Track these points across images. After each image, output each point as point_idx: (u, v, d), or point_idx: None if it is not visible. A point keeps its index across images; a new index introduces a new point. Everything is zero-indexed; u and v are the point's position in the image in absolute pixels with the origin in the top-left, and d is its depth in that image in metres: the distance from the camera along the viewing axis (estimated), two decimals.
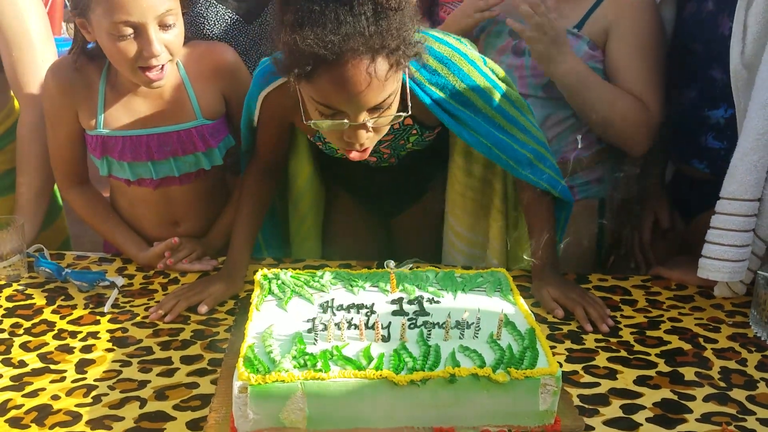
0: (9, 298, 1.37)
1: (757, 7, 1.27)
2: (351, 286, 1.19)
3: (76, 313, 1.32)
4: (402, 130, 1.41)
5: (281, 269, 1.23)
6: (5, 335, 1.24)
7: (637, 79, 1.56)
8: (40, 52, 1.61)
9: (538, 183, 1.40)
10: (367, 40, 1.07)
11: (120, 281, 1.40)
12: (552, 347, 1.21)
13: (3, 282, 1.43)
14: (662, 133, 1.60)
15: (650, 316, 1.32)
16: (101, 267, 1.51)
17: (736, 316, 1.32)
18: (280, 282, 1.19)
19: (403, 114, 1.19)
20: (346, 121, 1.13)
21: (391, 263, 1.20)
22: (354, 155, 1.21)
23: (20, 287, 1.42)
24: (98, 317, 1.31)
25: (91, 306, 1.35)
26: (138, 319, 1.30)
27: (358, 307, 1.12)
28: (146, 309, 1.34)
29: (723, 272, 1.29)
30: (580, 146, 1.68)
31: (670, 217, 1.63)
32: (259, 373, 0.93)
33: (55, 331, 1.26)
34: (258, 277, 1.21)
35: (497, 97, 1.38)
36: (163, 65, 1.38)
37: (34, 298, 1.37)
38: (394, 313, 1.11)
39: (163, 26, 1.35)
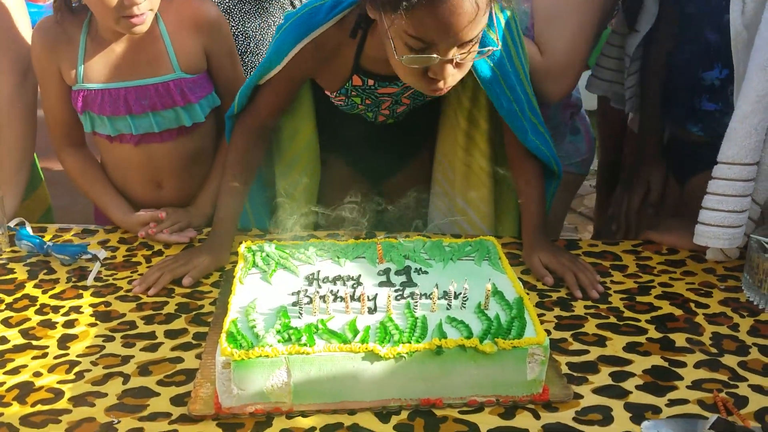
0: None
1: None
2: (337, 257, 1.17)
3: (59, 287, 1.30)
4: None
5: (266, 241, 1.21)
6: None
7: (544, 26, 1.49)
8: (11, 20, 1.56)
9: (533, 142, 1.38)
10: None
11: (102, 254, 1.37)
12: (541, 315, 1.19)
13: None
14: (655, 96, 1.57)
15: (640, 281, 1.31)
16: (84, 240, 1.49)
17: (728, 281, 1.30)
18: (264, 254, 1.17)
19: (491, 48, 1.17)
20: (435, 56, 1.11)
21: None
22: (436, 92, 1.20)
23: (2, 261, 1.39)
24: (81, 291, 1.28)
25: (73, 279, 1.32)
26: (121, 292, 1.28)
27: (345, 279, 1.10)
28: (129, 282, 1.31)
29: (722, 239, 1.27)
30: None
31: (662, 189, 1.60)
32: (242, 349, 0.92)
33: (37, 306, 1.23)
34: (242, 249, 1.19)
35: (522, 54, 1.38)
36: (144, 13, 1.36)
37: (15, 273, 1.35)
38: (381, 284, 1.09)
39: None
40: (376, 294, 1.04)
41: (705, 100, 1.43)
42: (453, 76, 1.16)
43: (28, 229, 1.46)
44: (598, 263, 1.37)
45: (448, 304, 1.02)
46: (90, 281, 1.31)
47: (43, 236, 1.47)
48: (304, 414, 0.95)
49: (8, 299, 1.26)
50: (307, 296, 1.02)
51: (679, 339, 1.13)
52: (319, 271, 1.12)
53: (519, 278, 1.26)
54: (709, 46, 1.40)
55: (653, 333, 1.15)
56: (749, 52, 1.22)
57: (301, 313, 0.99)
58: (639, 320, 1.18)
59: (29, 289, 1.29)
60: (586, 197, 3.48)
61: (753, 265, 1.23)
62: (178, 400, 0.99)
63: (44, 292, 1.28)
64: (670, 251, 1.41)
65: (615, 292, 1.27)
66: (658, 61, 1.55)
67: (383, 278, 1.11)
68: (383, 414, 0.95)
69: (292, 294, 1.05)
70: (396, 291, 1.06)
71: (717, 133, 1.30)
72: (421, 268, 1.14)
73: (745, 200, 1.26)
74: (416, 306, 1.01)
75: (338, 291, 1.05)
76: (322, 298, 1.01)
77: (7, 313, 1.21)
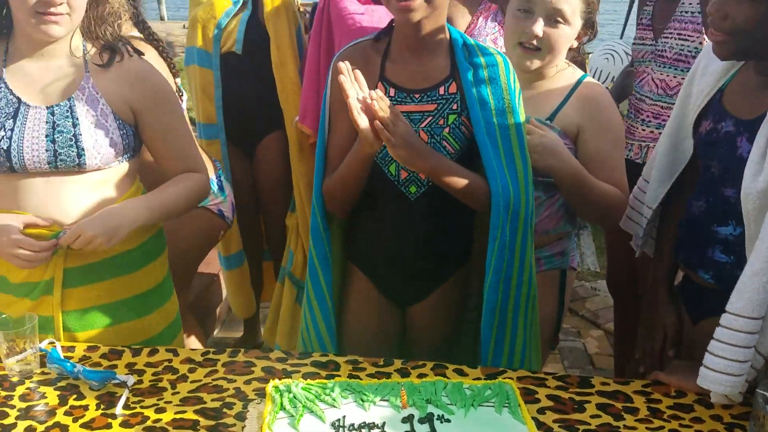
0: (22, 398, 1.39)
1: None
2: (362, 401, 1.22)
3: (89, 415, 1.34)
4: (445, 99, 1.57)
5: (293, 380, 1.26)
6: None
7: (612, 169, 1.78)
8: None
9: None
10: None
11: (131, 380, 1.42)
12: None
13: (16, 379, 1.44)
14: (671, 242, 1.64)
15: (652, 427, 1.35)
16: (111, 361, 1.53)
17: (735, 429, 1.35)
18: (291, 396, 1.22)
19: None
20: None
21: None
22: (397, 4, 1.47)
23: (33, 385, 1.43)
24: (110, 420, 1.32)
25: (102, 407, 1.36)
26: (149, 422, 1.32)
27: (370, 427, 1.15)
28: (156, 410, 1.35)
29: (725, 386, 1.32)
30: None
31: (678, 331, 1.65)
32: None
33: None
34: (270, 389, 1.24)
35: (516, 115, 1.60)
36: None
37: (47, 397, 1.39)
38: None
39: None
40: None
41: (718, 251, 1.49)
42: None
43: (59, 351, 1.50)
44: (610, 404, 1.41)
45: None
46: (119, 411, 1.35)
47: (71, 357, 1.52)
48: None
49: (40, 428, 1.29)
50: None
51: None
52: (344, 417, 1.17)
53: (534, 418, 1.31)
54: (726, 202, 1.46)
55: None
56: (763, 213, 1.30)
57: None
58: None
59: (60, 416, 1.33)
60: (587, 300, 3.52)
61: (758, 416, 1.28)
62: None
63: (75, 420, 1.32)
64: (678, 393, 1.46)
65: None
66: (679, 211, 1.61)
67: (407, 427, 1.15)
68: None
69: None
70: None
71: (728, 284, 1.36)
72: (443, 416, 1.19)
73: (748, 351, 1.32)
74: None
75: None
76: None
77: None
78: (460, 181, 1.55)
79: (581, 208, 1.82)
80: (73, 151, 1.55)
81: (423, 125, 1.56)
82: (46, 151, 1.54)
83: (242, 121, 2.63)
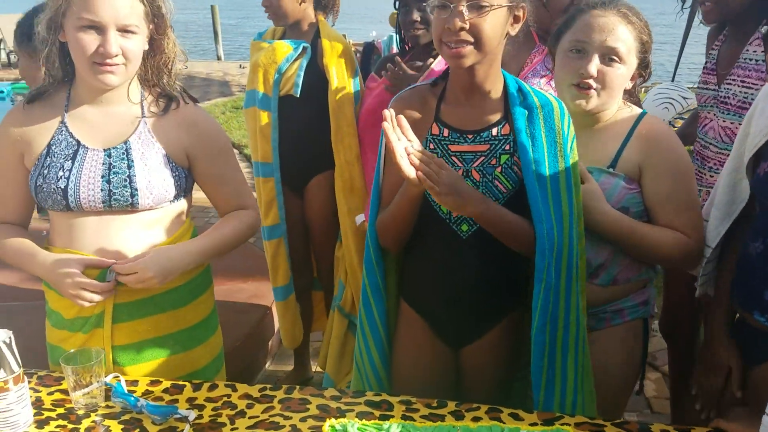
0: (88, 431, 1.44)
1: None
2: None
3: None
4: (497, 140, 1.59)
5: (348, 420, 1.28)
6: None
7: (676, 212, 1.70)
8: None
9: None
10: None
11: (192, 416, 1.46)
12: None
13: (81, 412, 1.50)
14: (729, 284, 1.61)
15: None
16: (173, 395, 1.57)
17: None
18: None
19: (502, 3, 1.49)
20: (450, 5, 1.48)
21: None
22: (448, 51, 1.51)
23: (98, 418, 1.49)
24: None
25: None
26: None
27: None
28: None
29: None
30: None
31: (743, 370, 1.60)
32: None
33: None
34: (326, 429, 1.26)
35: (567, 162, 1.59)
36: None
37: (111, 431, 1.44)
38: None
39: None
40: None
41: None
42: (463, 33, 1.47)
43: (123, 385, 1.56)
44: None
45: None
46: None
47: (134, 391, 1.57)
48: None
49: None
50: None
51: None
52: None
53: None
54: None
55: None
56: None
57: None
58: None
59: None
60: None
61: None
62: None
63: None
64: None
65: None
66: (738, 251, 1.58)
67: None
68: None
69: None
70: None
71: None
72: None
73: None
74: None
75: None
76: None
77: None
78: (507, 226, 1.57)
79: (636, 257, 1.75)
80: (126, 191, 1.62)
81: (475, 164, 1.59)
82: (101, 190, 1.61)
83: (295, 160, 2.70)
